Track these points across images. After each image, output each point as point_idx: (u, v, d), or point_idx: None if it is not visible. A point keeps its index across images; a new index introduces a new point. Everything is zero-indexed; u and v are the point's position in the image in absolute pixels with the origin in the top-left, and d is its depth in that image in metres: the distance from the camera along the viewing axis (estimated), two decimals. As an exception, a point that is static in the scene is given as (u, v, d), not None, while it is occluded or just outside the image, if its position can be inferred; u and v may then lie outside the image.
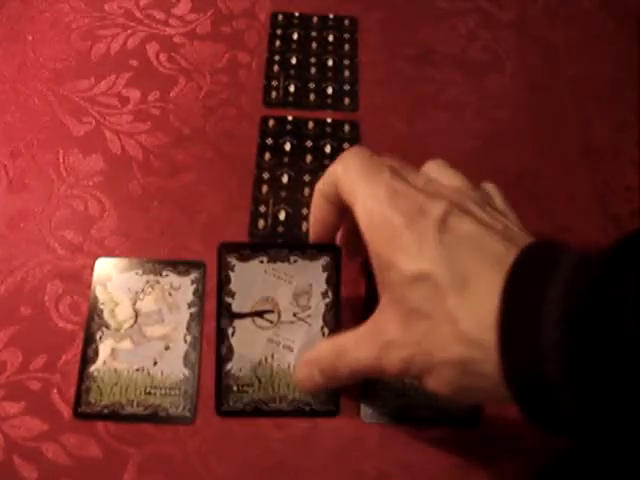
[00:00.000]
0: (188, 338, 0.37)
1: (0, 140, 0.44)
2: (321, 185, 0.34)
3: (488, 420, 0.36)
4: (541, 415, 0.25)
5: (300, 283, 0.36)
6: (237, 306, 0.36)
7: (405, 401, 0.36)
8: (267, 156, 0.44)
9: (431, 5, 0.52)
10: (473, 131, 0.46)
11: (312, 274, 0.36)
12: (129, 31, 0.49)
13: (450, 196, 0.29)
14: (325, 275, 0.36)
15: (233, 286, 0.36)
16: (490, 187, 0.33)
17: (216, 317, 0.36)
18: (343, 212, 0.33)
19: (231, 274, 0.36)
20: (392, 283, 0.29)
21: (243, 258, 0.36)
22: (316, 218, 0.35)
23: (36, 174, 0.43)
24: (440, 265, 0.27)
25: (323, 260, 0.36)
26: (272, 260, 0.36)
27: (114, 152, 0.44)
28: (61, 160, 0.44)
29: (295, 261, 0.36)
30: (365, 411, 0.36)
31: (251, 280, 0.36)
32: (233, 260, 0.36)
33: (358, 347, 0.31)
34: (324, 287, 0.36)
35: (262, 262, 0.36)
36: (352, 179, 0.31)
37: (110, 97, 0.46)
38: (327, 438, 0.35)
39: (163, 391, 0.36)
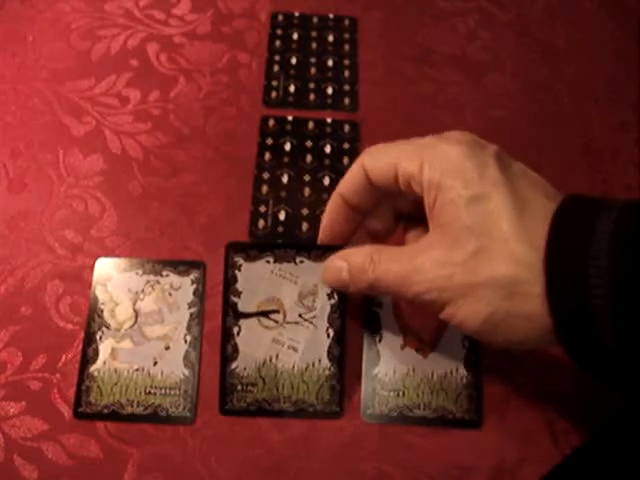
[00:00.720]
0: (188, 338, 0.37)
1: (0, 140, 0.44)
2: (344, 190, 0.33)
3: (489, 421, 0.36)
4: (581, 348, 0.26)
5: (306, 284, 0.36)
6: (243, 305, 0.36)
7: (406, 401, 0.36)
8: (267, 156, 0.44)
9: (431, 5, 0.52)
10: (473, 131, 0.46)
11: (318, 275, 0.36)
12: (129, 31, 0.49)
13: None
14: None
15: (239, 285, 0.36)
16: None
17: (222, 316, 0.36)
18: (363, 215, 0.34)
19: (238, 273, 0.36)
20: (446, 205, 0.29)
21: (250, 258, 0.36)
22: (332, 222, 0.35)
23: (36, 174, 0.43)
24: (501, 189, 0.28)
25: None
26: (278, 260, 0.36)
27: (114, 152, 0.44)
28: (61, 160, 0.44)
29: (301, 262, 0.36)
30: (366, 411, 0.36)
31: (257, 280, 0.36)
32: (240, 260, 0.36)
33: (393, 259, 0.31)
34: (330, 289, 0.36)
35: (268, 262, 0.36)
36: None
37: (110, 97, 0.46)
38: (327, 438, 0.35)
39: (163, 391, 0.36)
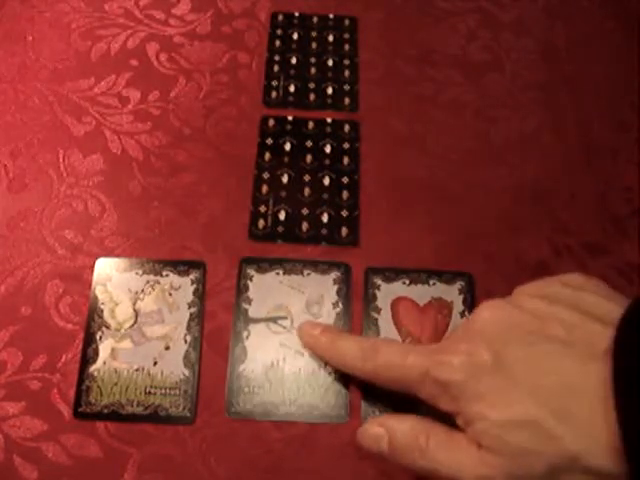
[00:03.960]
0: (188, 338, 0.37)
1: (0, 140, 0.44)
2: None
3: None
4: None
5: (312, 293, 0.39)
6: (253, 312, 0.38)
7: (407, 405, 0.36)
8: (267, 156, 0.44)
9: (431, 5, 0.52)
10: (473, 131, 0.46)
11: (324, 286, 0.39)
12: (129, 31, 0.49)
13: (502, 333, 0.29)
14: (336, 287, 0.39)
15: (250, 294, 0.39)
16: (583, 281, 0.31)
17: (233, 321, 0.38)
18: None
19: (249, 283, 0.39)
20: (481, 434, 0.27)
21: (261, 270, 0.39)
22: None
23: (36, 174, 0.43)
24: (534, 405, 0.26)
25: (334, 274, 0.39)
26: (287, 273, 0.39)
27: (114, 152, 0.44)
28: (61, 160, 0.44)
29: (308, 274, 0.39)
30: (366, 417, 0.36)
31: (267, 289, 0.39)
32: (252, 272, 0.39)
33: (445, 446, 0.29)
34: (335, 298, 0.39)
35: (278, 274, 0.39)
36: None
37: (110, 97, 0.46)
38: (327, 438, 0.35)
39: (163, 391, 0.36)
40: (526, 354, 0.28)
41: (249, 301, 0.38)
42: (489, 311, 0.30)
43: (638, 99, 0.48)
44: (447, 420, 0.30)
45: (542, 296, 0.30)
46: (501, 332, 0.29)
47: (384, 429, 0.31)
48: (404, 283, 0.39)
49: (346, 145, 0.45)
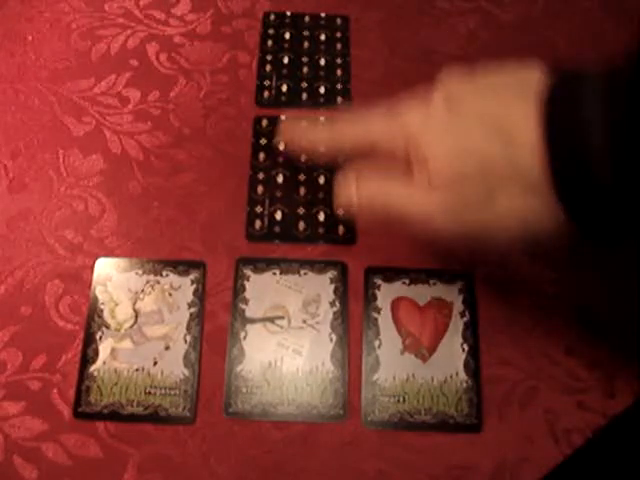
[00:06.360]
0: (188, 338, 0.37)
1: (0, 140, 0.44)
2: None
3: (489, 422, 0.36)
4: (576, 192, 0.26)
5: (309, 293, 0.39)
6: (250, 312, 0.38)
7: (406, 407, 0.36)
8: (261, 156, 0.44)
9: (431, 5, 0.52)
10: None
11: (320, 285, 0.39)
12: (129, 31, 0.49)
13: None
14: (332, 287, 0.39)
15: (247, 294, 0.39)
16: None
17: (230, 322, 0.38)
18: None
19: (246, 284, 0.39)
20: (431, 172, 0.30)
21: (258, 270, 0.39)
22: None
23: (36, 174, 0.43)
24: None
25: (330, 273, 0.39)
26: (284, 272, 0.39)
27: (114, 152, 0.44)
28: (61, 160, 0.44)
29: (305, 274, 0.39)
30: (366, 418, 0.36)
31: (264, 289, 0.39)
32: (249, 272, 0.39)
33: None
34: (332, 297, 0.39)
35: (275, 274, 0.39)
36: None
37: (110, 97, 0.46)
38: (327, 438, 0.35)
39: (163, 391, 0.36)
40: (472, 97, 0.31)
41: (246, 301, 0.38)
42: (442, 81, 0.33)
43: (638, 99, 0.48)
44: None
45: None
46: (451, 91, 0.32)
47: (354, 185, 0.34)
48: (404, 283, 0.39)
49: None
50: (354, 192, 0.34)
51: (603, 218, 0.27)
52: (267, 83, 0.48)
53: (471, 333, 0.38)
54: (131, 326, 0.38)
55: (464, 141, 0.30)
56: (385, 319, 0.38)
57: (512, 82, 0.30)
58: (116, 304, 0.38)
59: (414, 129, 0.32)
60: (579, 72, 0.28)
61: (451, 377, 0.37)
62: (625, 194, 0.25)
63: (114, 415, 0.35)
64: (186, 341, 0.37)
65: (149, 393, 0.36)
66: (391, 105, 0.35)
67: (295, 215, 0.42)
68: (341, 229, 0.41)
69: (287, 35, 0.50)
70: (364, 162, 0.35)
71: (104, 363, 0.37)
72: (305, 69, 0.49)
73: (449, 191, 0.30)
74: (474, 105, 0.30)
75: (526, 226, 0.29)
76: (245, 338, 0.37)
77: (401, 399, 0.36)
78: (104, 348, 0.37)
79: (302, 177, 0.44)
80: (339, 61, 0.49)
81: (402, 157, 0.32)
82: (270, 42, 0.50)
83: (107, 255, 0.40)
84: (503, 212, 0.29)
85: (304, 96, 0.47)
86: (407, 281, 0.39)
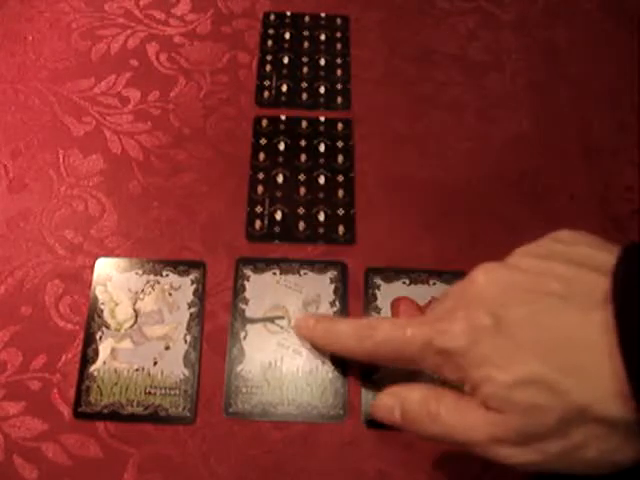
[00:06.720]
0: (188, 338, 0.37)
1: (0, 140, 0.44)
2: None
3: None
4: None
5: (309, 293, 0.39)
6: (250, 312, 0.38)
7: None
8: (261, 156, 0.44)
9: (431, 5, 0.52)
10: (473, 131, 0.46)
11: (320, 285, 0.39)
12: (129, 31, 0.49)
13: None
14: (332, 287, 0.39)
15: (247, 294, 0.39)
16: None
17: (230, 322, 0.38)
18: None
19: (246, 284, 0.39)
20: (489, 397, 0.27)
21: (258, 270, 0.39)
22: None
23: (36, 174, 0.43)
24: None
25: (330, 273, 0.39)
26: (284, 272, 0.39)
27: (114, 152, 0.44)
28: (61, 160, 0.44)
29: (305, 274, 0.39)
30: (366, 418, 0.36)
31: (264, 289, 0.39)
32: (249, 272, 0.39)
33: (455, 409, 0.29)
34: (332, 297, 0.39)
35: (275, 274, 0.39)
36: None
37: (110, 97, 0.46)
38: (327, 438, 0.35)
39: (163, 391, 0.36)
40: (525, 313, 0.27)
41: (246, 301, 0.38)
42: (484, 274, 0.29)
43: (638, 99, 0.48)
44: (455, 388, 0.30)
45: (535, 255, 0.30)
46: (498, 294, 0.28)
47: (395, 399, 0.31)
48: (404, 283, 0.39)
49: (340, 143, 0.45)
50: (394, 406, 0.31)
51: None
52: (267, 83, 0.48)
53: None
54: (131, 326, 0.38)
55: (524, 368, 0.26)
56: None
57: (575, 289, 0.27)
58: (116, 304, 0.38)
59: (459, 344, 0.28)
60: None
61: None
62: None
63: (114, 415, 0.35)
64: (186, 341, 0.37)
65: (149, 393, 0.36)
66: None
67: (295, 215, 0.42)
68: (341, 229, 0.41)
69: (287, 35, 0.50)
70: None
71: (104, 363, 0.37)
72: (305, 69, 0.49)
73: (518, 417, 0.27)
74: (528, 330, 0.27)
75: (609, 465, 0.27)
76: (245, 338, 0.37)
77: None
78: (104, 348, 0.37)
79: (302, 177, 0.44)
80: (339, 61, 0.49)
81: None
82: (270, 42, 0.50)
83: (107, 255, 0.40)
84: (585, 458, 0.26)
85: (304, 96, 0.47)
86: (407, 281, 0.40)
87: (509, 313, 0.27)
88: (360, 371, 0.37)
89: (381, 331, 0.31)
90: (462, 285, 0.30)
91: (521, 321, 0.27)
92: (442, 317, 0.30)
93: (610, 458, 0.26)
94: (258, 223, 0.42)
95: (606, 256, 0.27)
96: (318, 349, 0.37)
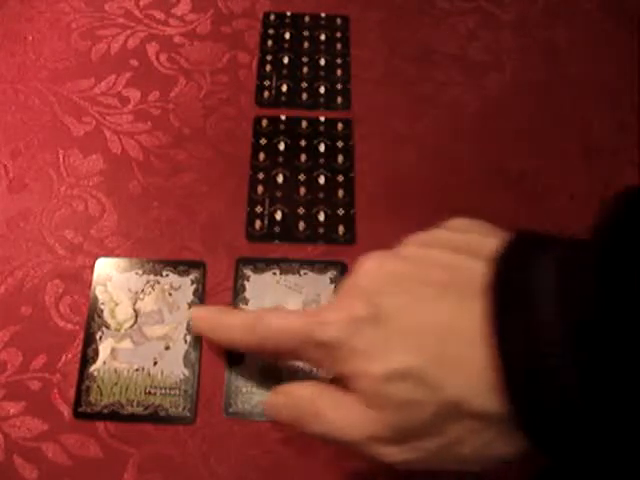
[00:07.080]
0: (188, 338, 0.37)
1: (0, 140, 0.44)
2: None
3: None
4: (536, 406, 0.22)
5: (309, 293, 0.39)
6: None
7: None
8: (261, 156, 0.44)
9: (431, 5, 0.52)
10: (473, 131, 0.46)
11: (320, 285, 0.39)
12: (129, 31, 0.49)
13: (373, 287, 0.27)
14: (333, 287, 0.39)
15: (247, 294, 0.39)
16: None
17: None
18: None
19: (246, 284, 0.39)
20: (364, 391, 0.26)
21: (258, 270, 0.39)
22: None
23: (36, 174, 0.43)
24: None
25: (330, 273, 0.39)
26: (284, 272, 0.39)
27: (114, 152, 0.44)
28: (61, 160, 0.44)
29: (305, 274, 0.39)
30: None
31: (264, 289, 0.39)
32: (249, 272, 0.39)
33: (336, 406, 0.27)
34: (332, 297, 0.38)
35: (275, 274, 0.39)
36: None
37: (110, 97, 0.46)
38: (327, 438, 0.35)
39: (163, 391, 0.36)
40: (403, 302, 0.26)
41: (246, 301, 0.38)
42: (367, 263, 0.28)
43: (638, 99, 0.48)
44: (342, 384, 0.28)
45: (420, 243, 0.28)
46: (377, 283, 0.27)
47: (285, 397, 0.30)
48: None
49: (340, 143, 0.45)
50: (281, 405, 0.30)
51: (575, 450, 0.23)
52: (267, 83, 0.48)
53: None
54: (131, 326, 0.38)
55: (398, 360, 0.25)
56: None
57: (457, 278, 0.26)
58: (116, 304, 0.38)
59: (334, 335, 0.26)
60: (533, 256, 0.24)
61: None
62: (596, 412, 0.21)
63: (114, 415, 0.35)
64: (186, 341, 0.37)
65: (149, 393, 0.36)
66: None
67: (295, 215, 0.42)
68: (341, 229, 0.41)
69: (287, 35, 0.50)
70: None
71: (104, 363, 0.37)
72: (305, 69, 0.49)
73: (392, 413, 0.25)
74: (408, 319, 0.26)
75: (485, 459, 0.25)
76: None
77: None
78: (104, 348, 0.37)
79: (302, 177, 0.44)
80: (339, 61, 0.49)
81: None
82: (270, 42, 0.50)
83: (107, 255, 0.40)
84: (462, 454, 0.25)
85: (304, 96, 0.47)
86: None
87: (387, 302, 0.26)
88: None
89: (266, 322, 0.29)
90: (350, 275, 0.28)
91: (398, 311, 0.25)
92: (325, 307, 0.28)
93: (487, 453, 0.25)
94: (258, 223, 0.42)
95: (491, 241, 0.26)
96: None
